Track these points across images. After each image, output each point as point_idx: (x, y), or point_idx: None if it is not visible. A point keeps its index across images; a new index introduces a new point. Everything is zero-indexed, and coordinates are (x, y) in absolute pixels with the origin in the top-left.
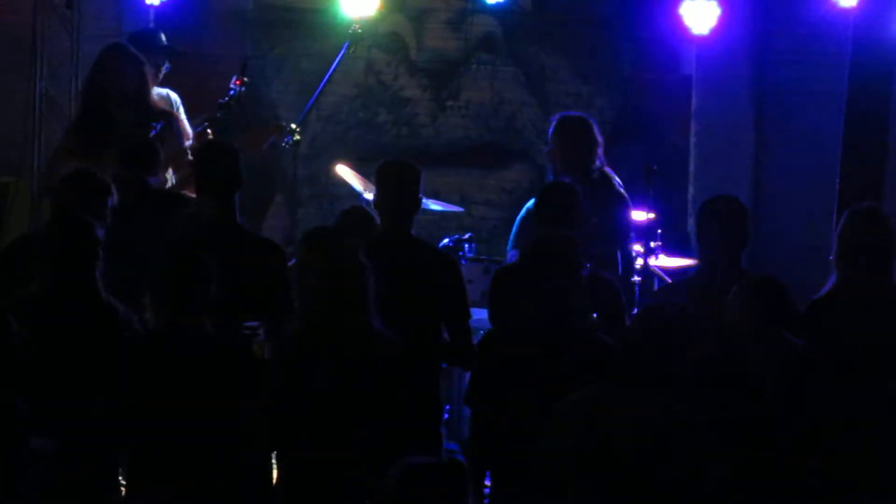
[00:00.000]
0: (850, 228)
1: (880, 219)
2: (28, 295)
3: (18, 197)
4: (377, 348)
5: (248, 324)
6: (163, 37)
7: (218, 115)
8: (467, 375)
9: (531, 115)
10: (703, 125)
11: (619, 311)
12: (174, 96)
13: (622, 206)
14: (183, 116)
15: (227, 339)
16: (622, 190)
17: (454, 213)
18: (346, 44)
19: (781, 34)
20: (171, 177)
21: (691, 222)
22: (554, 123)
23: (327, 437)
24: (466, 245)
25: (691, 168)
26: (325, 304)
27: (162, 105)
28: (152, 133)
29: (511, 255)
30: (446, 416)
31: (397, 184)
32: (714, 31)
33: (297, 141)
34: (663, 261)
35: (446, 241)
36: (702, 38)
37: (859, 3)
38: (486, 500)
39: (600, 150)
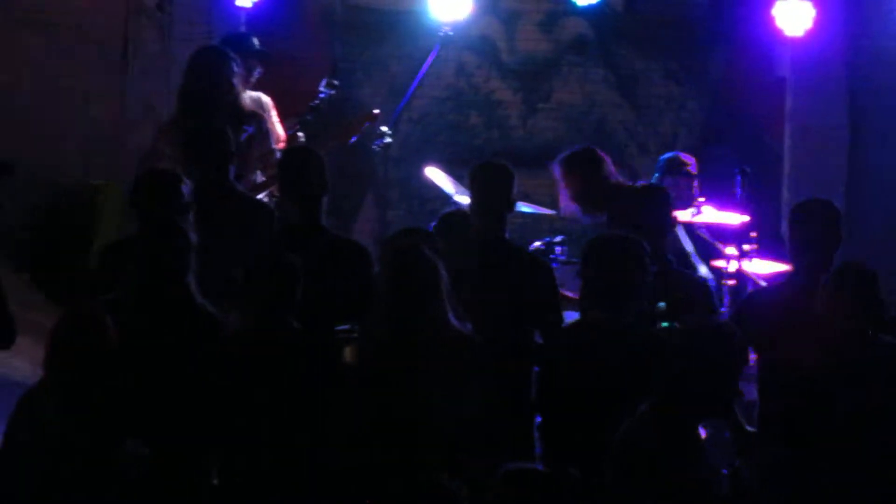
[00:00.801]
0: None
1: None
2: (120, 298)
3: (110, 199)
4: (453, 345)
5: (341, 328)
6: (255, 41)
7: (308, 117)
8: None
9: (622, 118)
10: (797, 127)
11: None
12: (266, 99)
13: None
14: (275, 119)
15: (315, 341)
16: None
17: (545, 215)
18: (437, 46)
19: (876, 35)
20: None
21: (785, 225)
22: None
23: (409, 436)
24: (558, 248)
25: (785, 170)
26: (395, 302)
27: (252, 108)
28: (243, 137)
29: None
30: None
31: (490, 186)
32: (808, 33)
33: (388, 143)
34: (757, 264)
35: (538, 243)
36: (796, 40)
37: None
38: None
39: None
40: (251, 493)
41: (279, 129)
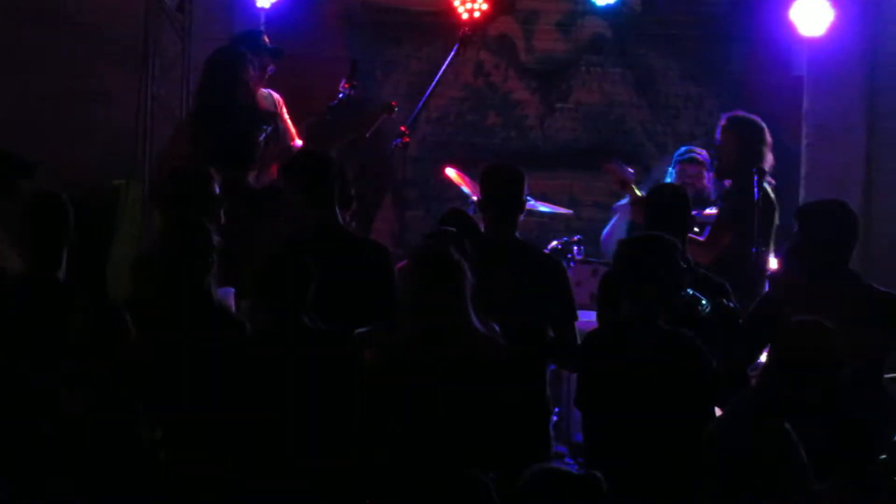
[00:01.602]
0: None
1: None
2: (141, 297)
3: (130, 199)
4: (479, 349)
5: (360, 330)
6: (266, 38)
7: (328, 117)
8: (574, 377)
9: (640, 117)
10: (814, 127)
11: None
12: (276, 96)
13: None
14: (286, 116)
15: (333, 340)
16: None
17: (563, 215)
18: (456, 46)
19: (894, 35)
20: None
21: None
22: (731, 121)
23: (432, 439)
24: (575, 247)
25: (802, 170)
26: (421, 305)
27: (266, 106)
28: (262, 136)
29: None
30: (555, 418)
31: (501, 187)
32: (826, 32)
33: (406, 143)
34: (773, 263)
35: (555, 243)
36: (813, 40)
37: None
38: None
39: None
40: (269, 492)
41: (290, 127)
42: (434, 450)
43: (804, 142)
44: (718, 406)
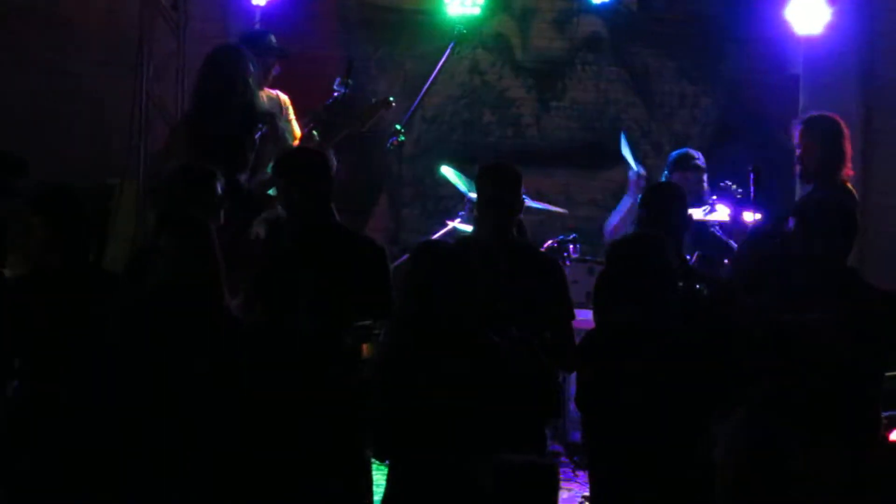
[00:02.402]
0: None
1: None
2: (141, 293)
3: (124, 198)
4: (477, 347)
5: (362, 324)
6: (272, 38)
7: (323, 116)
8: (573, 377)
9: (636, 116)
10: None
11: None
12: (283, 98)
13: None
14: (292, 117)
15: (329, 338)
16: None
17: (559, 213)
18: (451, 44)
19: (890, 34)
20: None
21: None
22: (809, 123)
23: (430, 437)
24: (571, 246)
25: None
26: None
27: (268, 107)
28: (257, 135)
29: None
30: None
31: (498, 187)
32: (822, 31)
33: (402, 141)
34: None
35: (551, 241)
36: (809, 38)
37: None
38: None
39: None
40: (257, 486)
41: (296, 128)
42: (433, 444)
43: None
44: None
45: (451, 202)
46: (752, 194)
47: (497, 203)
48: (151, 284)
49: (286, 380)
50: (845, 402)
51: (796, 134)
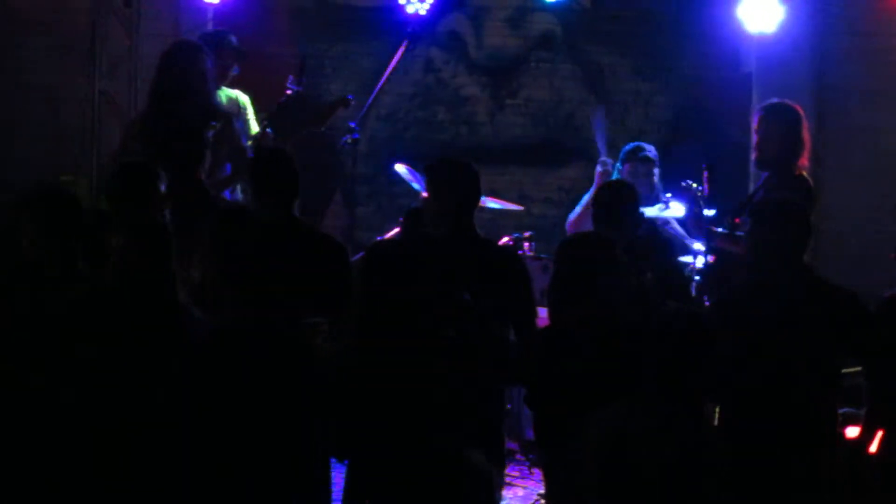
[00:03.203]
0: None
1: None
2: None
3: (77, 195)
4: (433, 343)
5: (311, 319)
6: (232, 39)
7: (276, 114)
8: None
9: (590, 113)
10: None
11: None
12: (243, 98)
13: None
14: (251, 117)
15: (291, 334)
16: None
17: (513, 211)
18: (405, 42)
19: (842, 33)
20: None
21: None
22: (769, 110)
23: (391, 434)
24: (526, 243)
25: (752, 166)
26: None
27: (226, 105)
28: (210, 133)
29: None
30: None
31: (453, 182)
32: (774, 30)
33: (356, 140)
34: None
35: (506, 239)
36: (762, 37)
37: None
38: None
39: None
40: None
41: (254, 128)
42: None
43: (753, 138)
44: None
45: (405, 200)
46: (706, 192)
47: (456, 198)
48: (103, 285)
49: (253, 379)
50: (801, 398)
51: (755, 120)
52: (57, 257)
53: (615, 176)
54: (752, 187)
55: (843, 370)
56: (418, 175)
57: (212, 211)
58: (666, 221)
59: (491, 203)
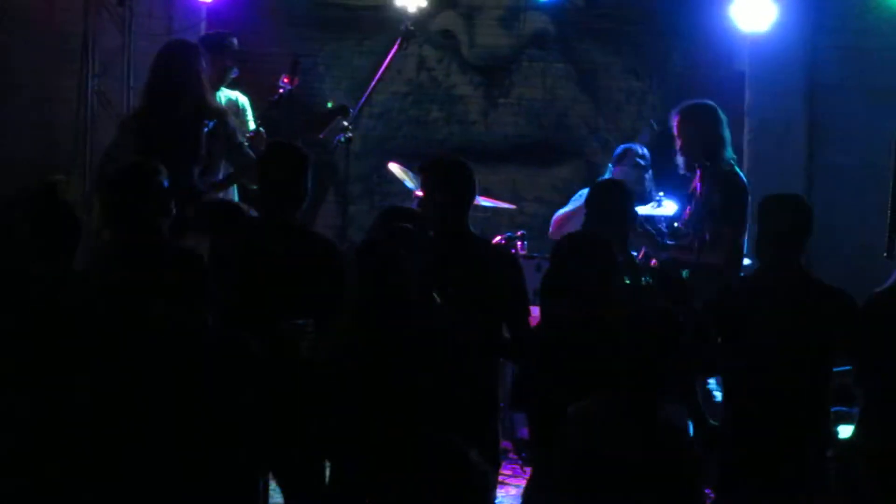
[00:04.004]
0: None
1: None
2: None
3: (70, 194)
4: (425, 342)
5: (298, 322)
6: (233, 41)
7: (268, 112)
8: None
9: (583, 112)
10: (756, 122)
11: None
12: (242, 99)
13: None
14: (250, 118)
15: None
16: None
17: (506, 210)
18: (398, 41)
19: (835, 31)
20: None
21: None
22: (686, 112)
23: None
24: (519, 242)
25: (744, 165)
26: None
27: (218, 106)
28: (205, 130)
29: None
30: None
31: (454, 181)
32: (767, 28)
33: (349, 138)
34: None
35: (499, 238)
36: (755, 35)
37: None
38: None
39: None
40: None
41: (252, 127)
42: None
43: (746, 137)
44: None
45: (398, 199)
46: (698, 190)
47: (456, 196)
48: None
49: (245, 381)
50: (794, 397)
51: (674, 125)
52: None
53: (607, 175)
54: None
55: (835, 368)
56: (412, 173)
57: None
58: (659, 219)
59: (484, 202)
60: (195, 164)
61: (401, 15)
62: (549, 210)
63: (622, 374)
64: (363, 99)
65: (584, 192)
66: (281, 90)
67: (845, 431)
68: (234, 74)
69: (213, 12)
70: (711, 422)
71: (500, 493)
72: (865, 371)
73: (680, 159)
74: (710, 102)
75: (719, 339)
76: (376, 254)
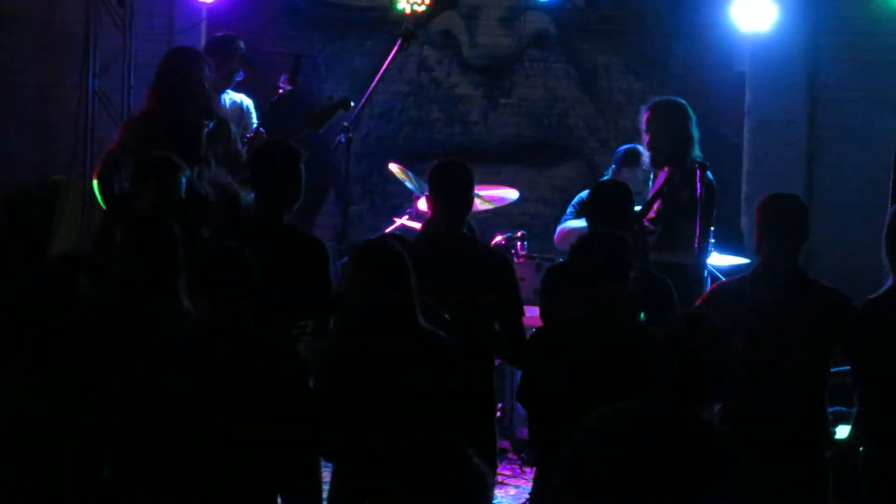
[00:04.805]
0: None
1: None
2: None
3: (70, 194)
4: (421, 343)
5: (298, 323)
6: (240, 44)
7: (268, 113)
8: (519, 373)
9: (583, 113)
10: (756, 122)
11: (672, 311)
12: (247, 101)
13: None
14: (254, 120)
15: (270, 337)
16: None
17: (506, 210)
18: (399, 41)
19: (835, 31)
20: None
21: (744, 220)
22: (656, 108)
23: (380, 436)
24: (519, 243)
25: (744, 165)
26: (370, 306)
27: (228, 109)
28: (205, 131)
29: (559, 231)
30: (498, 413)
31: (455, 184)
32: (768, 28)
33: (350, 138)
34: (715, 258)
35: (499, 238)
36: (755, 35)
37: None
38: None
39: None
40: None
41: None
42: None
43: (746, 137)
44: None
45: (399, 199)
46: (698, 191)
47: (450, 200)
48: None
49: (231, 382)
50: (791, 397)
51: (643, 120)
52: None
53: (608, 176)
54: (744, 187)
55: (833, 369)
56: (412, 174)
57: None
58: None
59: (485, 203)
60: (198, 161)
61: (401, 15)
62: (551, 210)
63: (664, 382)
64: (363, 99)
65: (584, 194)
66: (281, 90)
67: (843, 432)
68: (239, 77)
69: (213, 12)
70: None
71: (499, 494)
72: (862, 374)
73: (646, 155)
74: (681, 100)
75: None
76: (375, 253)
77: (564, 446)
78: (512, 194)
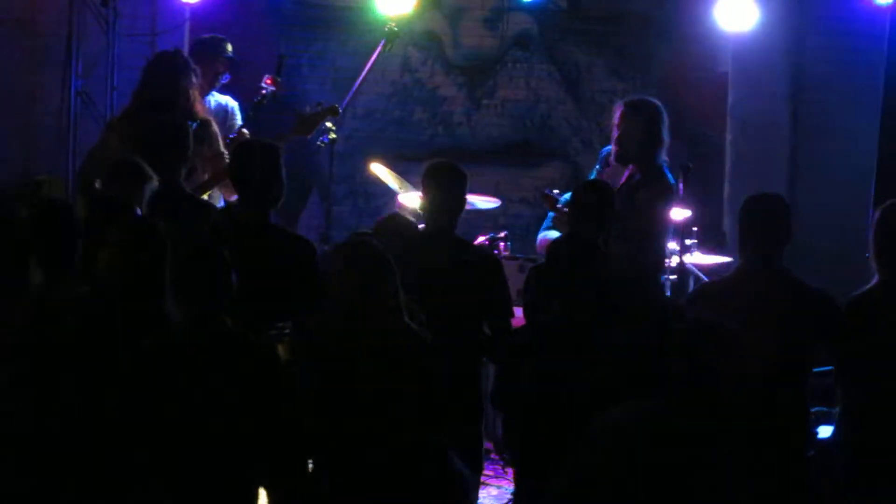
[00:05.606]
0: (885, 225)
1: None
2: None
3: (53, 194)
4: (404, 342)
5: (277, 325)
6: (228, 46)
7: (251, 113)
8: None
9: (566, 113)
10: (739, 122)
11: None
12: (233, 103)
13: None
14: (239, 121)
15: (251, 337)
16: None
17: (489, 211)
18: (382, 42)
19: (818, 32)
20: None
21: (727, 220)
22: (631, 106)
23: (364, 437)
24: (502, 243)
25: (727, 166)
26: (354, 306)
27: (213, 111)
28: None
29: (540, 241)
30: None
31: (448, 185)
32: (750, 29)
33: (333, 139)
34: (698, 258)
35: (482, 238)
36: (738, 36)
37: (895, 2)
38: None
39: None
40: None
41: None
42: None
43: (728, 137)
44: None
45: (382, 200)
46: (681, 192)
47: (442, 200)
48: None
49: (211, 380)
50: (773, 397)
51: (616, 116)
52: None
53: (592, 176)
54: (727, 187)
55: (816, 369)
56: (395, 174)
57: (187, 213)
58: None
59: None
60: (184, 160)
61: (385, 16)
62: (533, 211)
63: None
64: (346, 100)
65: (567, 197)
66: (263, 91)
67: (825, 432)
68: (224, 80)
69: (197, 13)
70: None
71: (482, 494)
72: (845, 373)
73: (613, 150)
74: (656, 101)
75: None
76: (357, 251)
77: (570, 451)
78: (493, 203)
